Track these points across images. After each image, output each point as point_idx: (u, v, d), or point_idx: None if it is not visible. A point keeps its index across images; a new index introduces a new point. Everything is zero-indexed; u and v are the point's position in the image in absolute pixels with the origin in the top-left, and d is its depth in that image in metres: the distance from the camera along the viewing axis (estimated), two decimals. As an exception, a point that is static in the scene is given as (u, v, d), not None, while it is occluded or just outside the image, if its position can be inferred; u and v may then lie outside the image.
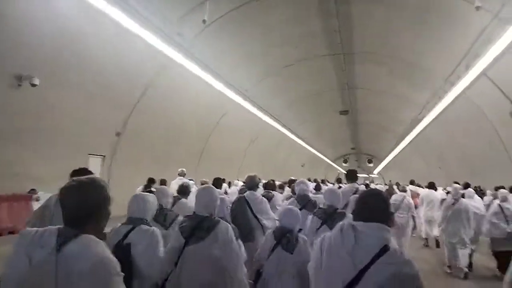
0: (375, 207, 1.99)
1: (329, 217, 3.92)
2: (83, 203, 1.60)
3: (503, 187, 8.88)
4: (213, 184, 6.06)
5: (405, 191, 9.55)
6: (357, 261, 1.83)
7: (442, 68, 10.91)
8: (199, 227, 2.89)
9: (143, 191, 5.07)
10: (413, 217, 9.11)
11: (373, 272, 1.79)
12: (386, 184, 27.69)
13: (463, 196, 7.68)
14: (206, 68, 9.73)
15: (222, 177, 13.05)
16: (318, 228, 3.83)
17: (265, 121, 15.96)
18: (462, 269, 6.96)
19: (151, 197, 3.19)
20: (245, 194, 5.16)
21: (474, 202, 8.08)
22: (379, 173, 44.07)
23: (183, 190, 5.11)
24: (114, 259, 1.59)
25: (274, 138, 20.10)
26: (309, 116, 20.39)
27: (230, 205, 4.64)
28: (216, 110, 13.01)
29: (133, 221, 2.94)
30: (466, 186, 10.26)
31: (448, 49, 9.75)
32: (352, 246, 1.88)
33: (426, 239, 10.38)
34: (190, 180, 11.36)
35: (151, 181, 9.48)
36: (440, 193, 11.67)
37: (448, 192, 11.56)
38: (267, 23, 9.59)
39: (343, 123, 24.00)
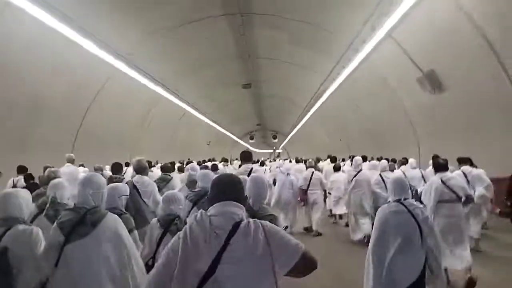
0: (224, 186, 1.98)
1: (200, 199, 3.94)
2: None
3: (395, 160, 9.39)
4: (112, 169, 6.25)
5: (312, 166, 9.38)
6: (212, 247, 1.75)
7: (347, 31, 10.13)
8: (82, 222, 2.63)
9: (26, 185, 5.13)
10: (325, 192, 9.11)
11: (229, 253, 1.74)
12: (290, 159, 27.82)
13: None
14: (69, 21, 7.41)
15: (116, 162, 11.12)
16: (190, 211, 3.82)
17: (159, 93, 13.94)
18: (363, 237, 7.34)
19: (22, 192, 2.99)
20: (133, 178, 5.14)
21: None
22: (283, 148, 45.27)
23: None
24: None
25: (173, 114, 18.02)
26: (210, 89, 18.60)
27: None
28: (92, 78, 10.43)
29: (7, 222, 2.72)
30: (364, 159, 10.36)
31: (354, 7, 8.91)
32: (208, 232, 1.79)
33: (334, 215, 10.28)
34: (80, 165, 9.60)
35: (21, 170, 7.33)
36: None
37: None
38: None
39: (246, 97, 22.85)
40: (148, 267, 2.90)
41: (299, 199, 8.56)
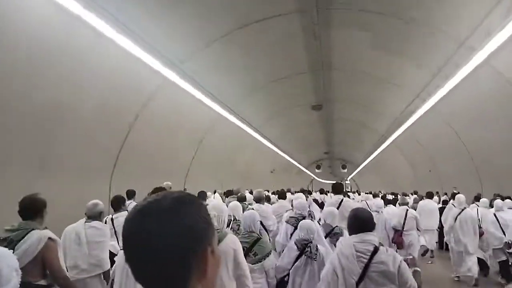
0: (363, 220, 2.98)
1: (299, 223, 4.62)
2: None
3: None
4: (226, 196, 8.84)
5: (406, 203, 8.67)
6: (359, 264, 2.77)
7: (456, 27, 7.50)
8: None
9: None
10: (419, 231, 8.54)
11: (372, 266, 2.76)
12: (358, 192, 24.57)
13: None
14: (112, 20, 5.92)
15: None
16: (292, 233, 4.95)
17: (219, 112, 12.17)
18: (471, 277, 7.51)
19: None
20: (253, 206, 6.61)
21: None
22: (352, 179, 42.14)
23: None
24: None
25: (233, 138, 16.22)
26: (275, 110, 16.59)
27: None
28: (135, 91, 8.80)
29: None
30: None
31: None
32: (355, 252, 2.82)
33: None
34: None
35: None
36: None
37: (445, 201, 12.30)
38: None
39: (315, 121, 20.39)
40: (284, 283, 4.01)
41: (393, 242, 7.78)
